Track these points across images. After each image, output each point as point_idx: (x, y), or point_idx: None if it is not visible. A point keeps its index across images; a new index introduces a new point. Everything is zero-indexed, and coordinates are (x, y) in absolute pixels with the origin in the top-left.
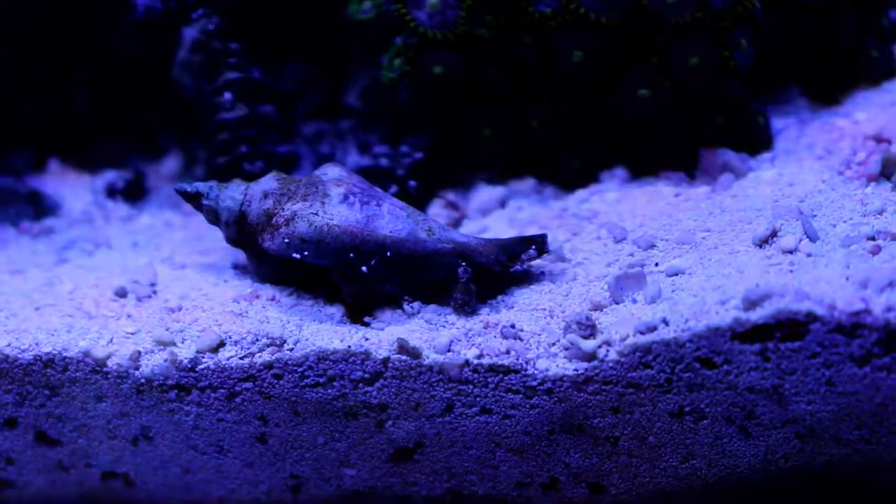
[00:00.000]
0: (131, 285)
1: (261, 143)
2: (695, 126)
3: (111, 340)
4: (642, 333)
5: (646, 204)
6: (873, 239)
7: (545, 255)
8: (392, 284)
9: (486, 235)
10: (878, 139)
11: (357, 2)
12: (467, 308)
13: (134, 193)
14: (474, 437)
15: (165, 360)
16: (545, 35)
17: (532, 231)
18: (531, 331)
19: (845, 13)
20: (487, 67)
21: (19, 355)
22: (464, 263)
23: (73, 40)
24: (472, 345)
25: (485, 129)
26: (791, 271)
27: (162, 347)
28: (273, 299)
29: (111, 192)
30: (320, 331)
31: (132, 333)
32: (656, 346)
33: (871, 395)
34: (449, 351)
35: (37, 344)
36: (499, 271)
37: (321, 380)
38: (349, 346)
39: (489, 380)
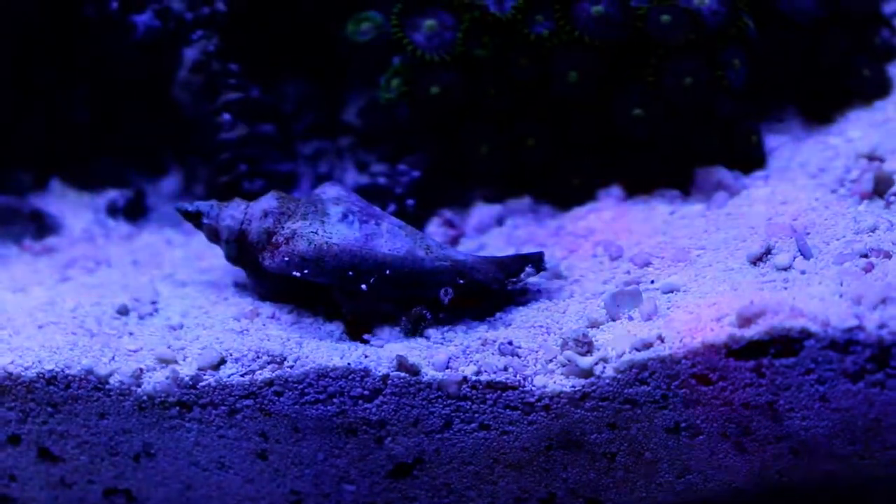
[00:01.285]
0: (133, 303)
1: (261, 163)
2: (689, 145)
3: (113, 358)
4: (638, 350)
5: (641, 222)
6: (866, 256)
7: (542, 272)
8: (391, 302)
9: (484, 253)
10: (871, 157)
11: (355, 23)
12: (415, 332)
13: (135, 212)
14: (473, 453)
15: (167, 378)
16: (541, 56)
17: (529, 249)
18: (529, 347)
19: (837, 33)
20: (484, 87)
21: (22, 373)
22: (450, 286)
23: (73, 58)
24: (470, 361)
25: (482, 147)
26: (785, 288)
27: (163, 365)
28: (273, 317)
29: (112, 210)
30: (320, 348)
31: (134, 351)
32: (652, 363)
33: (865, 411)
34: (447, 368)
35: (39, 362)
36: (496, 289)
37: (321, 396)
38: (349, 364)
39: (487, 396)
